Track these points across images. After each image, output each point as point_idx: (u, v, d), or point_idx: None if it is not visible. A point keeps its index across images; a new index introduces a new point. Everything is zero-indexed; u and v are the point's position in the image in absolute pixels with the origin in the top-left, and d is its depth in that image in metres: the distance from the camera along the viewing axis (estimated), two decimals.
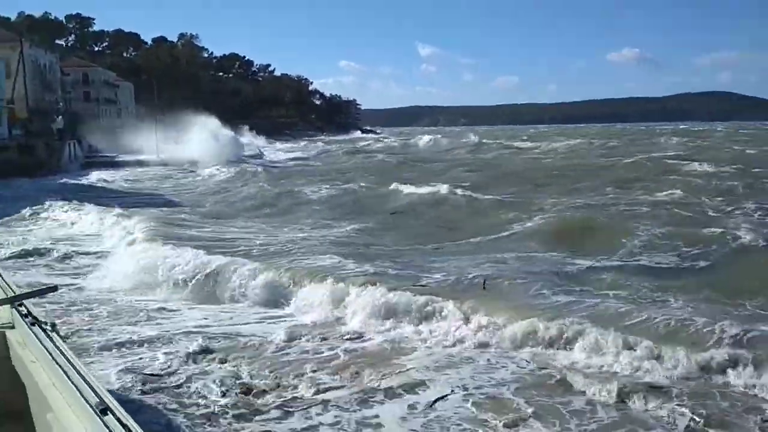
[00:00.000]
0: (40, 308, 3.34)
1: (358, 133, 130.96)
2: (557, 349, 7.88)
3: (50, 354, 2.48)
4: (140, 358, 7.84)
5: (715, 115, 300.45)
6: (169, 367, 7.57)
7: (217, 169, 39.95)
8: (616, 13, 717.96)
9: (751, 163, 33.07)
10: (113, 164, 48.28)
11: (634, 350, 7.41)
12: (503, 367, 7.54)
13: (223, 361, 7.74)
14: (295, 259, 12.92)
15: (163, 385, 7.05)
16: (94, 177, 39.64)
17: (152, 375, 7.31)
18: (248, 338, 8.70)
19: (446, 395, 6.74)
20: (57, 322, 3.18)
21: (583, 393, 6.70)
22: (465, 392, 6.80)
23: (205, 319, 9.70)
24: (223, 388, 6.91)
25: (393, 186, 24.70)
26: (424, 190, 23.28)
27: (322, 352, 8.13)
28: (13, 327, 3.13)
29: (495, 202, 20.88)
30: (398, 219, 19.37)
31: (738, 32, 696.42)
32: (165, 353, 7.99)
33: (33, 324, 2.89)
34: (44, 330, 2.80)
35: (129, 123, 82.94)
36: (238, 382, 7.11)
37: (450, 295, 9.69)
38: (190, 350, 8.05)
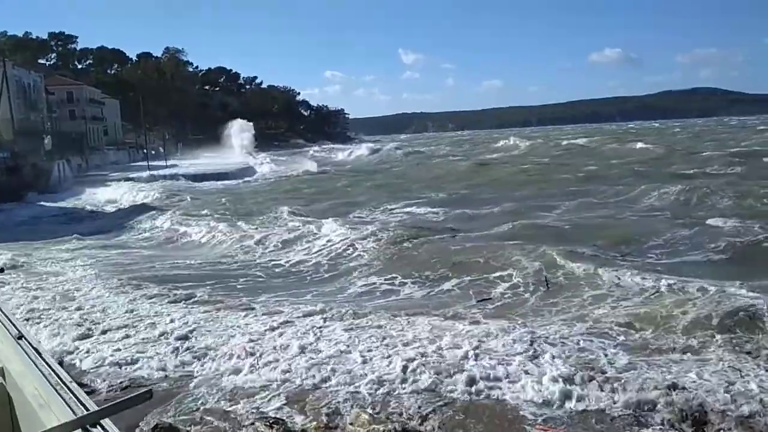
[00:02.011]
0: None
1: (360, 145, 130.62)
2: None
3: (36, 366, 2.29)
4: None
5: (698, 112, 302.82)
6: None
7: None
8: (596, 14, 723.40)
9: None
10: (104, 182, 47.17)
11: None
12: None
13: None
14: None
15: None
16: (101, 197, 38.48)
17: None
18: None
19: None
20: None
21: None
22: None
23: None
24: None
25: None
26: None
27: None
28: None
29: None
30: None
31: (716, 29, 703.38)
32: None
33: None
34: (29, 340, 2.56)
35: (117, 140, 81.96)
36: None
37: None
38: None
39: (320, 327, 9.67)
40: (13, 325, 2.71)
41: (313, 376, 7.77)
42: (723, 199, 20.70)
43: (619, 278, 11.44)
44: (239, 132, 79.59)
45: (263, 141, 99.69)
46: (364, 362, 8.10)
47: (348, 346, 8.73)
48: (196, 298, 12.01)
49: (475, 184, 32.73)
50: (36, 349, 2.43)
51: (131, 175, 49.57)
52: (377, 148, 77.64)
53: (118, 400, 1.86)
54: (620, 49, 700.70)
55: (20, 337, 2.55)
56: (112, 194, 38.86)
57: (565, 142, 66.17)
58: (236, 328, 9.96)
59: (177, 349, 9.08)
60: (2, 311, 2.88)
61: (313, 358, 8.33)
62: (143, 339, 9.66)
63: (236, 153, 64.07)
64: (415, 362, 7.92)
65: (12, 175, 41.69)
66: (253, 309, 11.08)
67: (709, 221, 17.04)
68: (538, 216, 20.21)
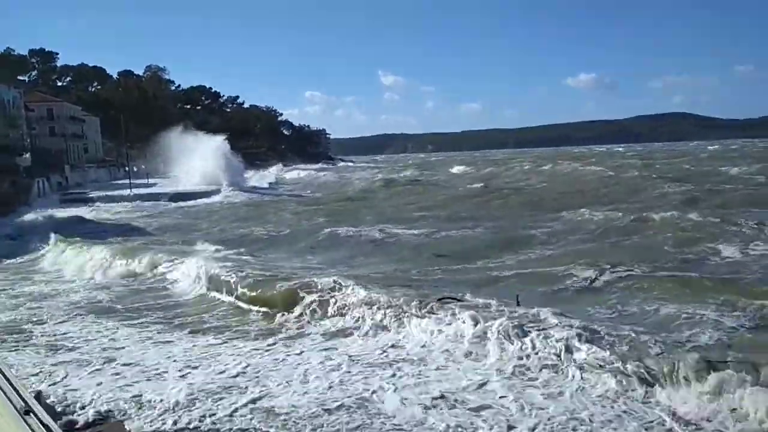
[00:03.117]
0: None
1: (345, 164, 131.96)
2: None
3: None
4: None
5: (670, 136, 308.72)
6: None
7: None
8: (572, 40, 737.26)
9: None
10: (85, 200, 46.59)
11: None
12: None
13: None
14: None
15: None
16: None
17: None
18: None
19: None
20: None
21: None
22: None
23: None
24: None
25: None
26: None
27: None
28: None
29: None
30: None
31: (688, 55, 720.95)
32: None
33: None
34: None
35: (97, 158, 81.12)
36: None
37: None
38: None
39: None
40: (20, 397, 2.47)
41: None
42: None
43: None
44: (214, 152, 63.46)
45: (245, 161, 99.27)
46: None
47: None
48: None
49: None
50: (46, 426, 2.22)
51: (113, 194, 49.11)
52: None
53: None
54: (595, 74, 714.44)
55: (27, 412, 2.32)
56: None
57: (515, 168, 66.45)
58: None
59: None
60: (9, 381, 2.65)
61: None
62: None
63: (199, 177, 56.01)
64: None
65: None
66: None
67: None
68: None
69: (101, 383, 8.41)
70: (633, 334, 8.58)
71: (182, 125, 74.08)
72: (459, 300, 11.03)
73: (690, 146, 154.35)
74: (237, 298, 13.13)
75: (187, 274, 15.15)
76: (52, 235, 22.45)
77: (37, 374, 8.76)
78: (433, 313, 10.20)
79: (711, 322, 9.79)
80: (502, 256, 16.91)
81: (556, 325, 8.97)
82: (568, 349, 8.28)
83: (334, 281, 12.37)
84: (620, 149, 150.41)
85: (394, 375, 8.31)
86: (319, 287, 12.20)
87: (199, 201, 44.76)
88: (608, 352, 7.97)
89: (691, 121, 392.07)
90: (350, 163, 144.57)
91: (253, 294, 12.88)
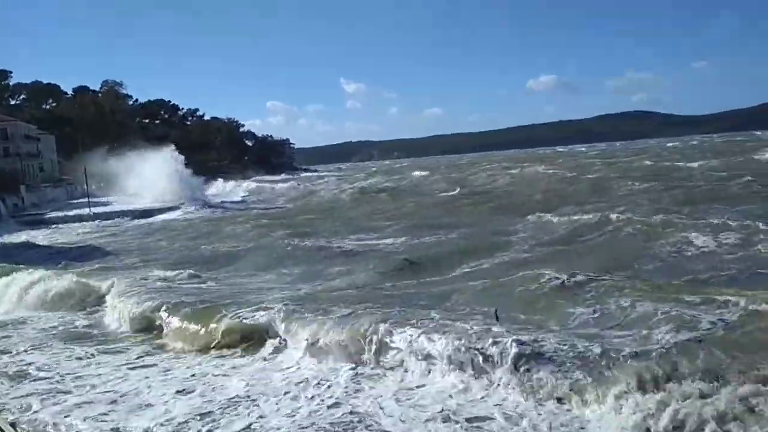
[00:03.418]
0: None
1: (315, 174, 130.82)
2: None
3: None
4: None
5: (633, 134, 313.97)
6: None
7: None
8: (531, 42, 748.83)
9: None
10: (43, 222, 45.06)
11: None
12: None
13: None
14: None
15: None
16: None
17: None
18: None
19: None
20: None
21: None
22: None
23: None
24: None
25: None
26: None
27: None
28: None
29: None
30: None
31: (648, 53, 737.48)
32: None
33: None
34: None
35: (54, 177, 78.83)
36: None
37: None
38: None
39: None
40: None
41: None
42: None
43: None
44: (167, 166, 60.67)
45: (207, 175, 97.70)
46: None
47: None
48: None
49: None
50: None
51: (72, 213, 47.67)
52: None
53: None
54: (555, 75, 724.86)
55: None
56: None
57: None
58: None
59: None
60: None
61: None
62: None
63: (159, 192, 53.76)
64: None
65: None
66: None
67: None
68: None
69: None
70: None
71: (137, 139, 72.47)
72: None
73: (650, 143, 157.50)
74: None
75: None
76: None
77: None
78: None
79: (681, 321, 9.49)
80: (475, 262, 16.62)
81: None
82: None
83: (284, 307, 11.75)
84: (583, 149, 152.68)
85: None
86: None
87: (159, 218, 43.77)
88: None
89: (651, 120, 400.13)
90: (314, 173, 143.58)
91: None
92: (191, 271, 18.41)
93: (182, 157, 62.72)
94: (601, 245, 17.53)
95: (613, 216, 21.02)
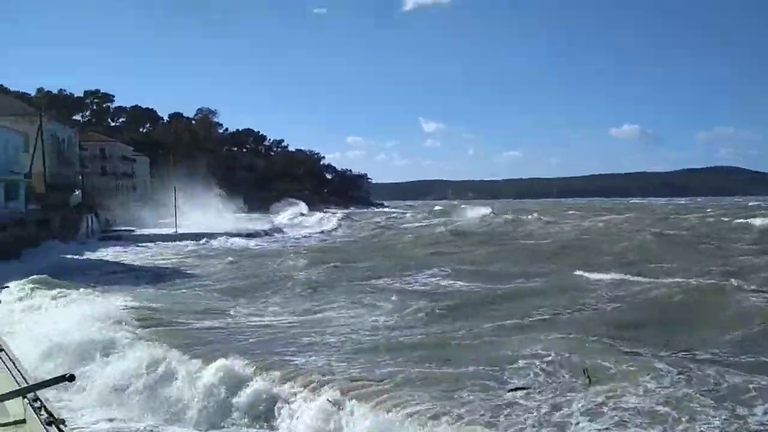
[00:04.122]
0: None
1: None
2: None
3: None
4: None
5: (717, 191, 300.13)
6: None
7: None
8: (615, 90, 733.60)
9: None
10: (131, 239, 46.76)
11: None
12: None
13: None
14: None
15: None
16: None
17: None
18: None
19: None
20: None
21: None
22: None
23: None
24: None
25: None
26: None
27: None
28: (24, 422, 2.86)
29: None
30: None
31: (735, 107, 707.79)
32: None
33: (49, 423, 2.72)
34: (59, 429, 2.68)
35: (145, 196, 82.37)
36: None
37: None
38: None
39: None
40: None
41: None
42: None
43: None
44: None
45: (285, 202, 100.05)
46: None
47: None
48: None
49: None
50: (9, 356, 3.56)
51: (158, 232, 49.20)
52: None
53: (49, 378, 2.80)
54: (639, 125, 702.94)
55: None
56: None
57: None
58: None
59: None
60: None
61: None
62: None
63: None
64: None
65: (41, 228, 41.39)
66: None
67: None
68: None
69: None
70: None
71: (224, 167, 76.29)
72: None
73: (734, 200, 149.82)
74: None
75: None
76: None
77: None
78: None
79: None
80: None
81: None
82: None
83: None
84: (662, 202, 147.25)
85: None
86: None
87: (251, 241, 44.94)
88: None
89: (739, 176, 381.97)
90: (394, 209, 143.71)
91: None
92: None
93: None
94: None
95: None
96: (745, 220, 43.68)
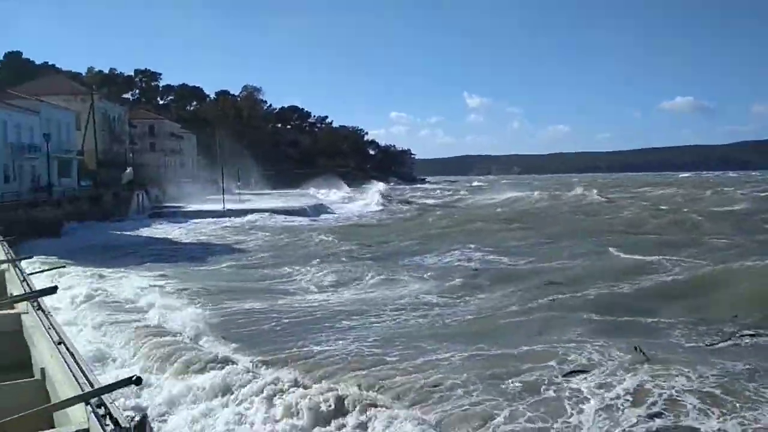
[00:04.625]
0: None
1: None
2: None
3: None
4: None
5: None
6: None
7: None
8: (665, 62, 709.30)
9: None
10: (179, 214, 47.64)
11: None
12: None
13: None
14: None
15: None
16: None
17: None
18: None
19: None
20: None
21: None
22: None
23: None
24: None
25: None
26: None
27: None
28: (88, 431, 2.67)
29: None
30: None
31: None
32: None
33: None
34: None
35: (192, 173, 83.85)
36: None
37: None
38: None
39: None
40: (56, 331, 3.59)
41: None
42: None
43: None
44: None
45: (331, 178, 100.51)
46: None
47: None
48: None
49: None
50: (72, 354, 3.31)
51: (206, 208, 49.89)
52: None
53: (113, 382, 2.66)
54: (692, 97, 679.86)
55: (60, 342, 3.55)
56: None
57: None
58: None
59: None
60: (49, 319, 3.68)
61: None
62: None
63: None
64: None
65: (94, 204, 42.48)
66: None
67: None
68: None
69: None
70: None
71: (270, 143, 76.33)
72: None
73: None
74: None
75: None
76: None
77: None
78: None
79: None
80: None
81: None
82: None
83: None
84: (711, 175, 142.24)
85: None
86: None
87: (296, 219, 45.15)
88: None
89: None
90: (429, 184, 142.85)
91: None
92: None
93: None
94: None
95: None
96: None
